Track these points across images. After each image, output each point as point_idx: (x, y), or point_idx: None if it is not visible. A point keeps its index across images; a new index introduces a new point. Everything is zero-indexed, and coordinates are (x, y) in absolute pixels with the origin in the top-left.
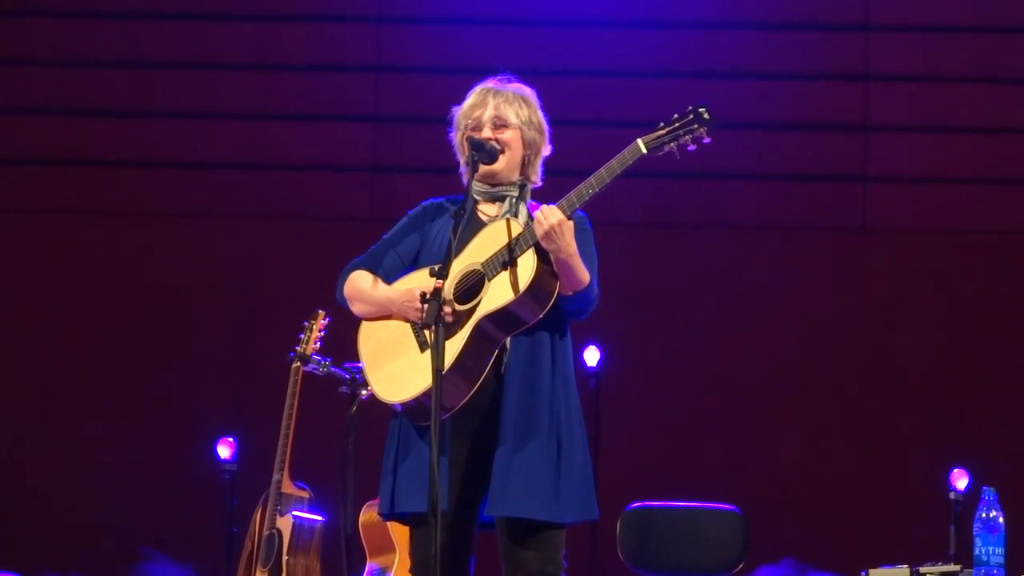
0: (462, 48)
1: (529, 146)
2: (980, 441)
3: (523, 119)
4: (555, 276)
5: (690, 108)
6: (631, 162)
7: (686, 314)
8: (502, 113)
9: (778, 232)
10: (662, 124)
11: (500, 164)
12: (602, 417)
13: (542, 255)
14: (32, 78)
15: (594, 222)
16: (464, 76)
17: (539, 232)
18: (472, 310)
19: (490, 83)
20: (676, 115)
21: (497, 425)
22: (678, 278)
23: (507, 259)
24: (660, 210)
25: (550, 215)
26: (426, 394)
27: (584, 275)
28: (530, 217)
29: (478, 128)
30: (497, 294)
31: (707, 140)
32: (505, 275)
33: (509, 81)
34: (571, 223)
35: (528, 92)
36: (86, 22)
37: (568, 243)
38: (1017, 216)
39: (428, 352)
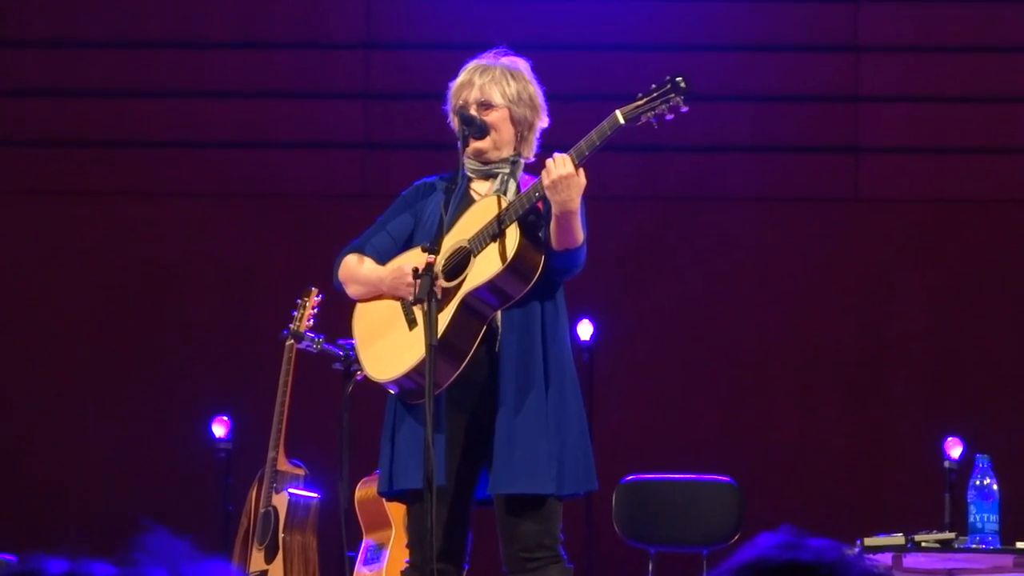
0: (452, 23)
1: (519, 123)
2: (974, 409)
3: (510, 96)
4: (539, 251)
5: (667, 78)
6: (610, 133)
7: (679, 287)
8: (487, 94)
9: (770, 204)
10: (640, 94)
11: (487, 143)
12: (596, 390)
13: (525, 230)
14: (21, 59)
15: (585, 196)
16: (455, 51)
17: (546, 181)
18: (458, 286)
19: (482, 60)
20: (654, 85)
21: (495, 401)
22: (671, 251)
23: (492, 234)
24: (652, 183)
25: (560, 165)
26: (415, 370)
27: (579, 235)
28: (519, 191)
29: (465, 109)
30: (482, 269)
31: (684, 109)
32: (489, 250)
33: (503, 55)
34: (581, 179)
35: (520, 66)
36: (75, 1)
37: (572, 198)
38: (1010, 184)
39: (416, 330)
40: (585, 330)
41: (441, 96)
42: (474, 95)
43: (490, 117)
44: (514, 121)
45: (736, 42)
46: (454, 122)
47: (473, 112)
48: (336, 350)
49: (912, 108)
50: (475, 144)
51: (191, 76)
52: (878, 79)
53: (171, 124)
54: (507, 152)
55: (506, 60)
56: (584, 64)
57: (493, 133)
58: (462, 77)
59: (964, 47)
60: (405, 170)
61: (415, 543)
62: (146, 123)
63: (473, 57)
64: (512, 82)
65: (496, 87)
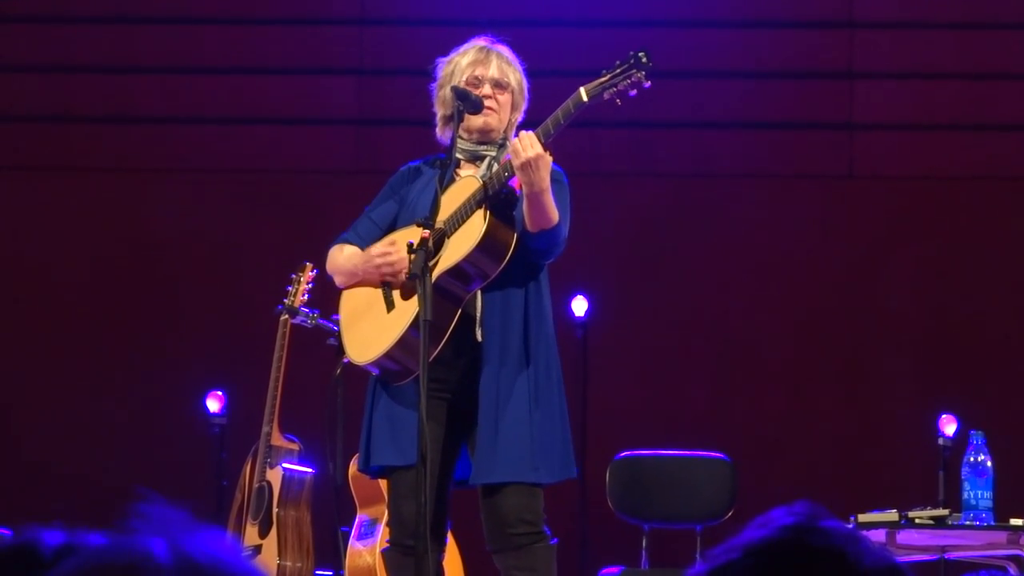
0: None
1: (515, 108)
2: (968, 386)
3: (516, 81)
4: (511, 228)
5: (630, 53)
6: (574, 111)
7: (673, 263)
8: (504, 74)
9: (764, 181)
10: (604, 71)
11: (494, 121)
12: (590, 367)
13: (496, 208)
14: (11, 35)
15: (578, 173)
16: (448, 27)
17: (516, 162)
18: (433, 267)
19: (483, 42)
20: (617, 61)
21: (476, 387)
22: (664, 228)
23: (465, 215)
24: (645, 160)
25: (528, 148)
26: (393, 350)
27: (553, 214)
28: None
29: (477, 86)
30: (454, 250)
31: (647, 84)
32: (461, 231)
33: (499, 42)
34: (548, 158)
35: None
36: None
37: (542, 178)
38: (1004, 161)
39: (393, 312)
40: (580, 306)
41: (435, 73)
42: (492, 73)
43: (502, 98)
44: (513, 106)
45: (730, 18)
46: (441, 96)
47: (487, 90)
48: (331, 325)
49: (906, 85)
50: (471, 120)
51: (183, 51)
52: (873, 56)
53: (163, 100)
54: (498, 136)
55: (506, 48)
56: (575, 41)
57: (496, 113)
58: (474, 55)
59: (959, 24)
60: (398, 146)
61: (394, 520)
62: (138, 99)
63: (466, 32)
64: (517, 69)
65: (510, 70)
